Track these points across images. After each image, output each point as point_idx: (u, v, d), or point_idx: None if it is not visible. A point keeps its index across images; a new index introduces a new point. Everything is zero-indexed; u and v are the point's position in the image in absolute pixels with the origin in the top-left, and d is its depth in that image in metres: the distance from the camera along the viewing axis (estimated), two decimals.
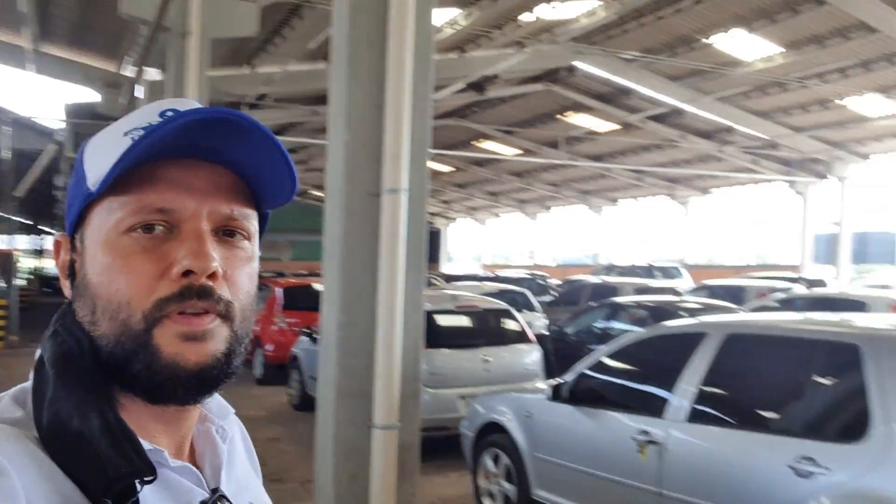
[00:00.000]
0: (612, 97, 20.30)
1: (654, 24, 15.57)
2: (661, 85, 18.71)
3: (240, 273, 0.70)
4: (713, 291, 15.41)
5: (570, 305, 13.65)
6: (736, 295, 14.30)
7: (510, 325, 7.35)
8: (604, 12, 14.54)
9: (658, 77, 18.42)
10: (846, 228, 23.07)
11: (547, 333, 9.45)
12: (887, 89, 17.09)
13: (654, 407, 3.99)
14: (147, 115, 0.70)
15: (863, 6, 13.39)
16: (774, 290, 14.27)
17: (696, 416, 3.77)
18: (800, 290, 14.24)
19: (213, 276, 0.66)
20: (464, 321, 7.10)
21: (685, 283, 20.54)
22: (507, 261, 44.07)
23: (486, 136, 24.97)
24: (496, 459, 5.03)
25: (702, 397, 3.79)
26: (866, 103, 18.16)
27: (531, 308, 11.52)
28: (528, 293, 12.33)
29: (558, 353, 8.54)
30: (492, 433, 5.09)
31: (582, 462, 4.30)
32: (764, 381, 3.80)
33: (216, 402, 0.80)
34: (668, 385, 3.99)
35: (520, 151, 26.05)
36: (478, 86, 18.47)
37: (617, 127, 22.27)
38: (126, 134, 0.68)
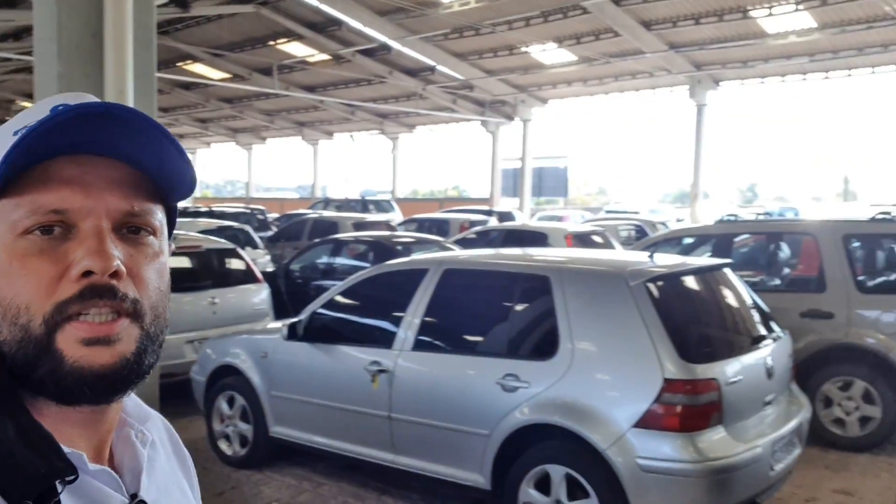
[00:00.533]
0: (323, 27, 20.21)
1: None
2: (370, 19, 19.07)
3: (147, 270, 0.68)
4: (422, 224, 16.66)
5: (290, 241, 13.71)
6: (441, 228, 15.61)
7: (235, 264, 7.24)
8: None
9: (367, 10, 18.75)
10: (528, 165, 26.12)
11: (272, 271, 9.46)
12: (561, 39, 19.44)
13: (383, 339, 4.37)
14: (39, 111, 0.67)
15: None
16: (473, 223, 15.88)
17: (419, 345, 4.21)
18: (493, 223, 16.01)
19: (116, 274, 0.64)
20: (185, 262, 6.83)
21: (397, 216, 21.75)
22: (223, 193, 42.19)
23: (193, 58, 23.31)
24: (231, 402, 5.07)
25: (424, 328, 4.23)
26: (545, 52, 20.48)
27: (254, 245, 11.36)
28: (249, 229, 12.12)
29: (287, 291, 8.64)
30: (225, 376, 5.11)
31: (319, 396, 4.54)
32: (475, 310, 4.35)
33: (135, 406, 0.79)
34: (396, 318, 4.40)
35: (228, 76, 24.83)
36: (181, 0, 17.07)
37: (328, 58, 22.30)
38: (15, 133, 0.64)
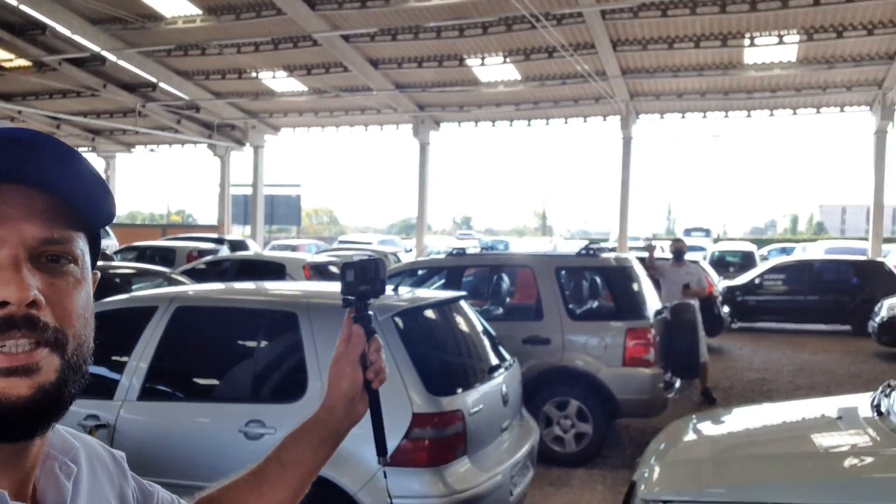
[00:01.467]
0: (23, 29, 17.76)
1: None
2: (81, 26, 17.23)
3: (68, 298, 0.67)
4: (143, 253, 15.21)
5: None
6: (166, 257, 14.44)
7: None
8: None
9: (77, 17, 16.90)
10: (260, 192, 25.45)
11: None
12: (292, 68, 19.36)
13: (103, 389, 3.83)
14: None
15: None
16: (202, 251, 14.92)
17: (147, 394, 3.75)
18: (225, 252, 15.21)
19: (35, 304, 0.63)
20: None
21: (112, 243, 19.59)
22: None
23: None
24: None
25: (152, 373, 3.78)
26: (276, 79, 20.21)
27: None
28: None
29: None
30: None
31: None
32: (213, 351, 4.02)
33: (59, 438, 0.77)
34: (118, 364, 3.88)
35: None
36: None
37: (28, 64, 19.63)
38: None
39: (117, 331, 4.07)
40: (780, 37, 15.38)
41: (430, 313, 4.24)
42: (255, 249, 19.92)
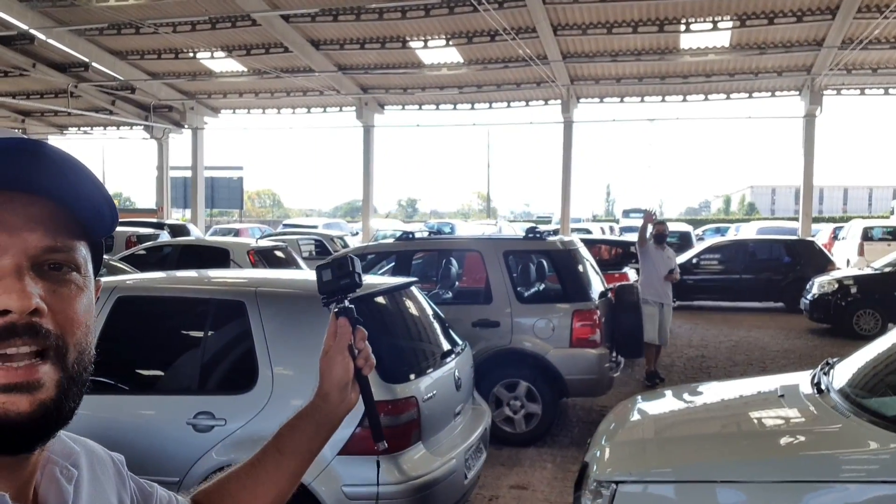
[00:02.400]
0: None
1: None
2: (5, 3, 16.38)
3: (70, 306, 0.67)
4: None
5: None
6: (104, 243, 13.93)
7: None
8: None
9: None
10: (200, 175, 24.80)
11: None
12: (231, 48, 18.86)
13: None
14: None
15: None
16: (142, 237, 14.49)
17: (93, 387, 3.66)
18: (165, 237, 14.80)
19: (37, 312, 0.64)
20: None
21: None
22: None
23: None
24: None
25: (95, 366, 3.69)
26: (214, 59, 19.66)
27: None
28: None
29: None
30: None
31: None
32: (158, 343, 3.91)
33: (60, 443, 0.77)
34: None
35: None
36: None
37: None
38: None
39: None
40: (715, 23, 15.76)
41: (381, 300, 4.22)
42: (196, 234, 19.46)
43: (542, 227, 7.39)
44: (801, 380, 3.65)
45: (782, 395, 3.53)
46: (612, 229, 28.77)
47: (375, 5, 15.77)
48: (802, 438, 3.08)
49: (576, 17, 16.10)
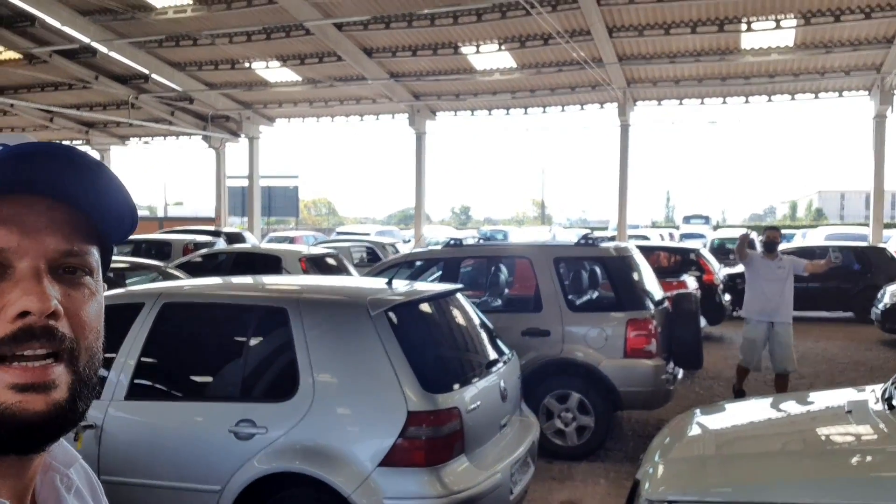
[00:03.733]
0: (11, 21, 17.55)
1: None
2: (70, 17, 17.01)
3: (84, 310, 0.68)
4: (139, 246, 15.07)
5: None
6: (162, 250, 14.29)
7: None
8: None
9: (66, 7, 16.69)
10: (256, 184, 25.26)
11: None
12: (285, 58, 19.15)
13: None
14: None
15: None
16: (198, 244, 14.78)
17: (134, 393, 3.63)
18: (221, 244, 15.07)
19: (54, 315, 0.64)
20: None
21: None
22: None
23: None
24: None
25: (140, 372, 3.66)
26: (269, 69, 20.00)
27: None
28: None
29: None
30: None
31: None
32: (202, 349, 3.89)
33: (61, 449, 0.78)
34: (105, 362, 3.76)
35: None
36: None
37: (19, 56, 19.41)
38: None
39: (105, 328, 3.94)
40: (777, 21, 15.20)
41: (425, 307, 4.11)
42: (252, 242, 19.78)
43: (596, 234, 7.17)
44: (871, 394, 3.39)
45: (850, 411, 3.27)
46: (671, 236, 28.07)
47: (427, 11, 15.75)
48: (871, 458, 2.83)
49: (631, 18, 15.77)
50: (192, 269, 10.54)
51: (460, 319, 4.32)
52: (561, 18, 15.56)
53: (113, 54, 19.05)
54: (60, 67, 19.87)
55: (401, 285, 4.22)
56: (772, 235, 7.42)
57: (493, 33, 16.90)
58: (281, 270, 10.19)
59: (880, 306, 11.27)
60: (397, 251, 16.95)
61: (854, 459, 2.91)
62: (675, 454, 3.32)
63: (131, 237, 11.72)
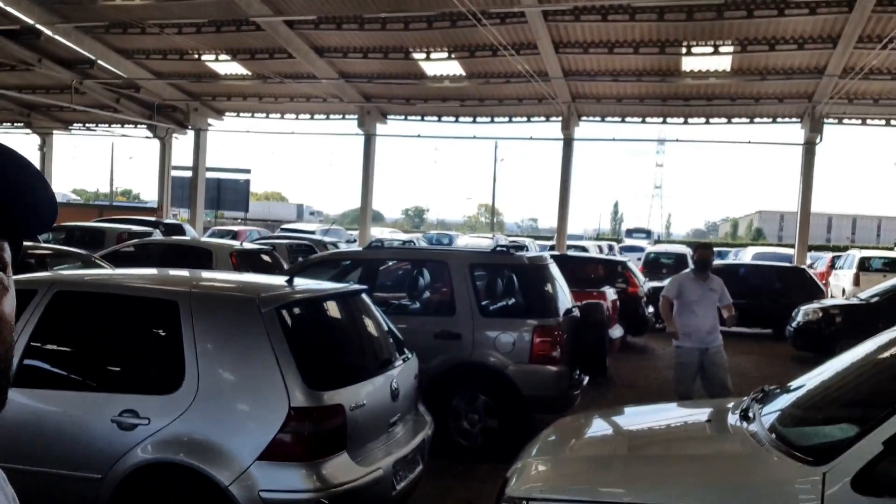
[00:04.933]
0: None
1: None
2: None
3: None
4: (72, 234, 14.81)
5: None
6: (95, 238, 14.08)
7: None
8: None
9: None
10: (201, 176, 24.93)
11: None
12: (235, 52, 19.01)
13: None
14: None
15: None
16: (134, 234, 14.60)
17: (20, 380, 3.65)
18: (157, 236, 14.91)
19: None
20: None
21: None
22: None
23: None
24: None
25: (28, 360, 3.69)
26: (218, 62, 19.81)
27: None
28: None
29: None
30: None
31: None
32: (91, 339, 3.92)
33: None
34: None
35: None
36: None
37: None
38: None
39: None
40: (716, 46, 15.77)
41: (323, 306, 4.23)
42: (191, 234, 19.54)
43: (508, 242, 7.38)
44: (735, 407, 3.63)
45: (709, 421, 3.51)
46: (610, 248, 28.71)
47: (378, 14, 15.86)
48: (712, 465, 3.06)
49: (577, 35, 16.16)
50: (123, 259, 10.42)
51: (359, 320, 4.45)
52: (509, 31, 15.85)
53: (58, 38, 18.63)
54: (2, 48, 19.32)
55: (302, 283, 4.34)
56: (703, 255, 6.80)
57: (443, 41, 17.10)
58: (212, 264, 10.14)
59: (794, 324, 11.79)
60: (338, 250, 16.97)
61: (693, 466, 3.13)
62: (541, 454, 3.51)
63: (64, 224, 11.43)
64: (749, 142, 21.75)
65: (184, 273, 4.50)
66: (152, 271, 4.65)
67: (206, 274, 5.15)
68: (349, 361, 4.20)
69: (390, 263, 7.67)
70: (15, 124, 27.95)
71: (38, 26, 17.58)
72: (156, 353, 3.76)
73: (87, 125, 27.20)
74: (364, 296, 4.58)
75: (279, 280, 4.29)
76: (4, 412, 0.67)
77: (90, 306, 3.95)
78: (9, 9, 17.00)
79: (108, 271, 4.72)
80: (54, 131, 27.95)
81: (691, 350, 6.58)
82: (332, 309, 4.30)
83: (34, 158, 28.70)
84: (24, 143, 28.91)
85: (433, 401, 5.11)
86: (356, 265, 7.27)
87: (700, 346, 6.54)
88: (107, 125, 26.61)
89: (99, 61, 20.13)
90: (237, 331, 3.60)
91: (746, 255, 23.53)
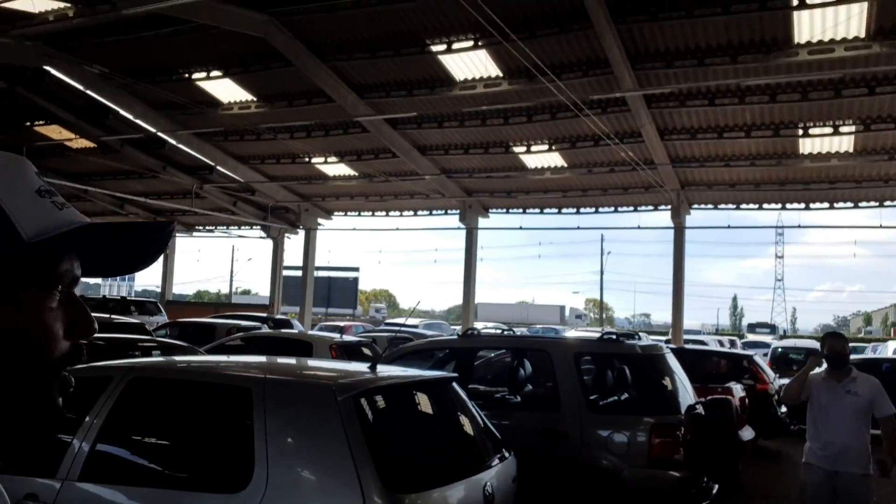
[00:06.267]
0: (84, 111, 18.77)
1: (133, 45, 14.98)
2: (141, 110, 18.06)
3: None
4: (184, 329, 15.25)
5: None
6: (206, 333, 14.42)
7: None
8: (73, 15, 13.33)
9: (137, 100, 17.75)
10: (310, 274, 25.62)
11: None
12: (343, 154, 19.73)
13: (47, 465, 3.50)
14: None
15: (322, 76, 15.19)
16: (241, 328, 14.86)
17: (88, 474, 3.39)
18: (265, 330, 15.12)
19: None
20: None
21: (161, 318, 20.08)
22: None
23: None
24: None
25: (97, 451, 3.44)
26: (327, 164, 20.62)
27: None
28: None
29: None
30: None
31: None
32: (163, 430, 3.63)
33: None
34: (67, 438, 3.56)
35: None
36: None
37: (92, 145, 20.64)
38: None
39: (72, 401, 3.77)
40: (836, 126, 14.84)
41: (407, 395, 3.81)
42: (298, 328, 19.81)
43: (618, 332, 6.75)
44: None
45: None
46: (732, 343, 26.81)
47: (478, 109, 16.04)
48: None
49: (683, 121, 15.68)
50: (230, 352, 10.47)
51: (449, 412, 3.98)
52: (611, 120, 15.59)
53: (181, 146, 20.02)
54: (131, 157, 20.97)
55: (386, 370, 3.94)
56: (835, 345, 5.08)
57: (544, 133, 17.04)
58: (312, 356, 10.01)
59: None
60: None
61: None
62: None
63: (179, 320, 11.67)
64: (881, 226, 19.82)
65: (261, 359, 4.23)
66: (232, 357, 4.39)
67: (285, 360, 4.86)
68: (436, 460, 3.71)
69: (492, 355, 7.19)
70: None
71: (161, 134, 18.96)
72: (226, 445, 3.41)
73: (206, 227, 28.82)
74: (455, 385, 4.12)
75: (362, 367, 3.91)
76: None
77: (164, 393, 3.69)
78: (139, 121, 18.47)
79: (190, 357, 4.51)
80: (177, 234, 29.76)
81: (817, 470, 4.91)
82: (419, 399, 3.86)
83: (158, 263, 30.55)
84: None
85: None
86: (452, 355, 6.83)
87: (829, 467, 4.84)
88: (225, 227, 28.09)
89: (218, 167, 21.41)
90: (311, 421, 3.21)
91: (888, 350, 21.28)
